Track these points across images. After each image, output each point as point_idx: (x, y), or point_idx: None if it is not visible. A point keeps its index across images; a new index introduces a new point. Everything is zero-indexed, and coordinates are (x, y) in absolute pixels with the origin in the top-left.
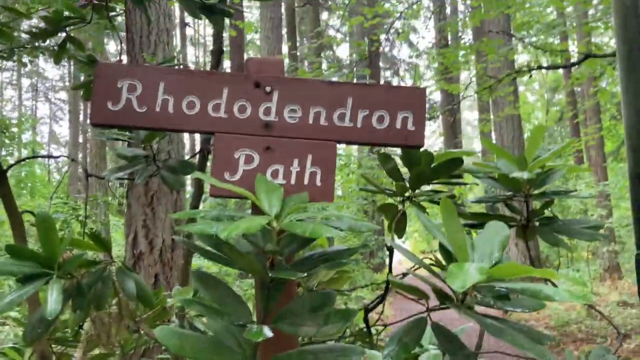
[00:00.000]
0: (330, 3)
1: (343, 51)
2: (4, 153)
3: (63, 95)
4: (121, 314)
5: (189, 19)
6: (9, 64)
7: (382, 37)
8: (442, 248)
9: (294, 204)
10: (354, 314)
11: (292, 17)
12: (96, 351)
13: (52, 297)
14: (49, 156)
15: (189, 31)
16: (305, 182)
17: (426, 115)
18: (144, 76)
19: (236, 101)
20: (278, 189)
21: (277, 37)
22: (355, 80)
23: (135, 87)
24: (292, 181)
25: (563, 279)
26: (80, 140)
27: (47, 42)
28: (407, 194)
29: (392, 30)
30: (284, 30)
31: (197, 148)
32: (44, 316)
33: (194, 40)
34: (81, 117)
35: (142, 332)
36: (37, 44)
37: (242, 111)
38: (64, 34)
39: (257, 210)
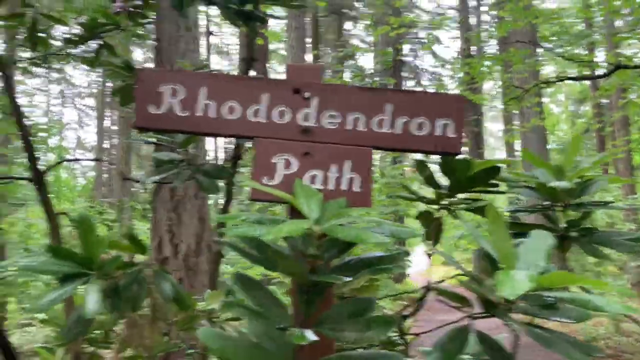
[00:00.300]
0: (354, 13)
1: (365, 61)
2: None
3: (89, 101)
4: (155, 317)
5: (213, 27)
6: (39, 70)
7: (407, 46)
8: (487, 256)
9: (333, 209)
10: (396, 321)
11: (316, 27)
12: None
13: (91, 297)
14: (88, 159)
15: (213, 40)
16: (343, 187)
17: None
18: (186, 81)
19: (276, 107)
20: (317, 193)
21: (301, 47)
22: None
23: (177, 91)
24: (330, 186)
25: (600, 289)
26: (107, 145)
27: (77, 49)
28: (444, 202)
29: (416, 40)
30: (308, 40)
31: (220, 154)
32: (83, 316)
33: (218, 49)
34: (106, 123)
35: (171, 335)
36: (67, 50)
37: (281, 116)
38: (87, 41)
39: (295, 215)
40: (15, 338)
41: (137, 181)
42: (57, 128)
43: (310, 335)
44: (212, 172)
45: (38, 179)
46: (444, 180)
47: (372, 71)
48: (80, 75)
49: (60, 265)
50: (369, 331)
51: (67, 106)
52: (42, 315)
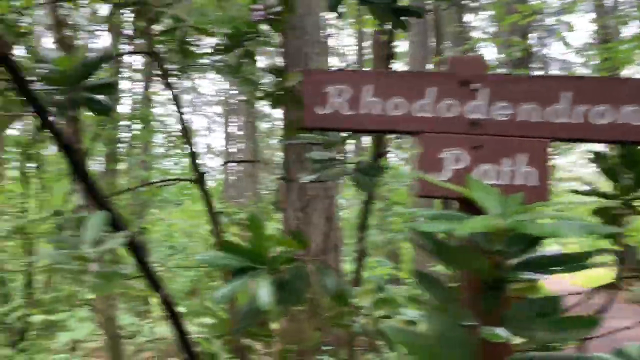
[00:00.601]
0: (475, 4)
1: (487, 53)
2: (170, 162)
3: (216, 109)
4: (314, 312)
5: (331, 30)
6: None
7: (535, 35)
8: None
9: (513, 204)
10: (596, 322)
11: (436, 21)
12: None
13: (264, 291)
14: (245, 161)
15: (330, 42)
16: (518, 182)
17: None
18: (351, 80)
19: (442, 100)
20: (494, 188)
21: (421, 41)
22: None
23: (343, 91)
24: (504, 181)
25: None
26: (233, 150)
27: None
28: (627, 197)
29: (544, 27)
30: (429, 34)
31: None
32: (255, 308)
33: (335, 51)
34: (231, 129)
35: (323, 330)
36: (201, 61)
37: (448, 110)
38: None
39: (467, 211)
40: (159, 329)
41: (292, 180)
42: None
43: (505, 333)
44: (367, 170)
45: (200, 179)
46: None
47: (497, 63)
48: (208, 84)
49: (231, 259)
50: (562, 332)
51: (196, 114)
52: (183, 309)
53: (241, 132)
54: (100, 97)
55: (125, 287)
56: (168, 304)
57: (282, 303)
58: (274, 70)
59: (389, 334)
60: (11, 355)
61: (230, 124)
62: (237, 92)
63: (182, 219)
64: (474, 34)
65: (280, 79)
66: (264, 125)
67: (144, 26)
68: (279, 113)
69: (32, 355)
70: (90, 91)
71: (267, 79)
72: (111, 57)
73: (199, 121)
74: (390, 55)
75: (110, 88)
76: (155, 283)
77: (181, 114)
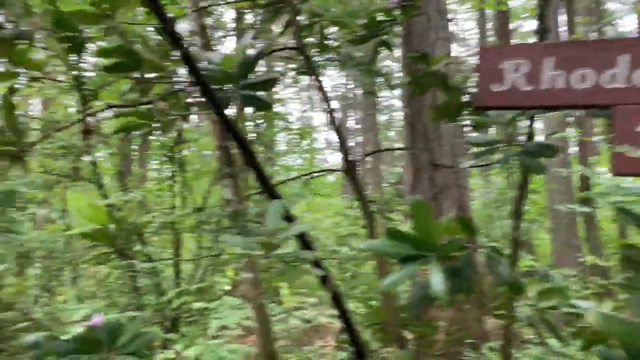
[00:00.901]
0: None
1: (628, 24)
2: (291, 159)
3: (334, 104)
4: (481, 302)
5: (450, 15)
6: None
7: None
8: None
9: None
10: None
11: None
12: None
13: (436, 278)
14: (394, 149)
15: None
16: None
17: None
18: (530, 54)
19: (636, 69)
20: None
21: (552, 17)
22: None
23: (520, 66)
24: None
25: None
26: (352, 144)
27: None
28: None
29: None
30: (559, 10)
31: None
32: (426, 296)
33: (456, 36)
34: (349, 123)
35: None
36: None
37: None
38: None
39: None
40: (290, 319)
41: (452, 167)
42: (309, 131)
43: None
44: (536, 151)
45: (350, 170)
46: None
47: None
48: (325, 80)
49: (399, 247)
50: None
51: (315, 110)
52: (312, 300)
53: (359, 126)
54: (260, 93)
55: (305, 273)
56: (334, 292)
57: (454, 291)
58: (416, 57)
59: (597, 323)
60: (174, 340)
61: (348, 118)
62: (355, 85)
63: (308, 212)
64: (610, 6)
65: (425, 64)
66: (382, 118)
67: (289, 21)
68: (398, 104)
69: (191, 340)
70: (251, 88)
71: (387, 68)
72: (264, 55)
73: (318, 117)
74: (544, 30)
75: (271, 83)
76: (322, 270)
77: (330, 109)
